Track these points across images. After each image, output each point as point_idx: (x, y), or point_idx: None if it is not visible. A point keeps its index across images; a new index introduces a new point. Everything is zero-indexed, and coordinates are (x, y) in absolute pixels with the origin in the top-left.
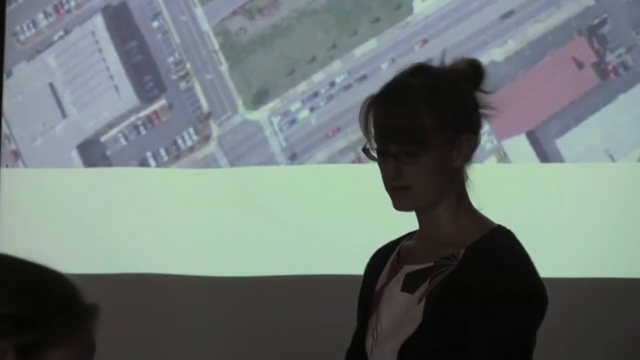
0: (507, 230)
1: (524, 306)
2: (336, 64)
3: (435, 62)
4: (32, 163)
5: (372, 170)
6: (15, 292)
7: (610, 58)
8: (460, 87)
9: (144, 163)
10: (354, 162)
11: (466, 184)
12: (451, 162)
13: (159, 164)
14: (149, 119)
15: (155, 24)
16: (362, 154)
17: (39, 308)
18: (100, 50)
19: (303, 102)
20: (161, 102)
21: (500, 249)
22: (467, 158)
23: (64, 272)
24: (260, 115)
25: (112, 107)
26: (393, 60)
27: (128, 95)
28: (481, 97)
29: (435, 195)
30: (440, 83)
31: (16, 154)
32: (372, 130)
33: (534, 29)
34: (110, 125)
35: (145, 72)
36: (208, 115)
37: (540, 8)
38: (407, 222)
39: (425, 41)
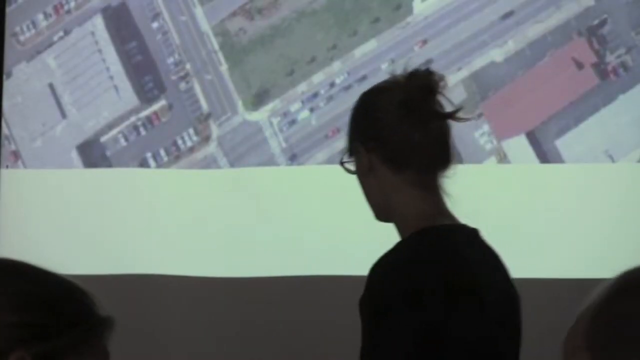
0: (416, 233)
1: (398, 311)
2: (336, 65)
3: (435, 64)
4: (32, 164)
5: None
6: (34, 301)
7: (610, 58)
8: (376, 99)
9: (144, 164)
10: None
11: (404, 193)
12: (360, 172)
13: (159, 165)
14: (148, 120)
15: (155, 25)
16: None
17: (57, 317)
18: (100, 50)
19: (303, 102)
20: (161, 103)
21: (383, 258)
22: (364, 168)
23: (80, 283)
24: (260, 115)
25: (112, 107)
26: (393, 61)
27: (128, 96)
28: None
29: (373, 206)
30: (369, 93)
31: (16, 155)
32: None
33: (534, 30)
34: (110, 126)
35: (145, 73)
36: (208, 116)
37: (540, 8)
38: None
39: (425, 42)
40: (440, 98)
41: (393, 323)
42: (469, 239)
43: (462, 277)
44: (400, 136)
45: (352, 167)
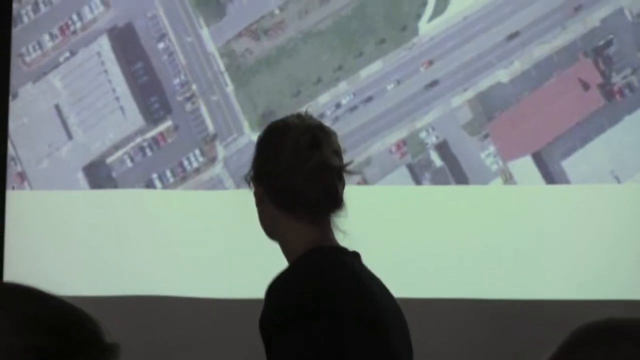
0: (307, 252)
1: (296, 326)
2: (342, 86)
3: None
4: (38, 185)
5: (378, 192)
6: (40, 325)
7: (616, 79)
8: (274, 137)
9: (149, 185)
10: (359, 183)
11: (290, 226)
12: (255, 199)
13: (165, 186)
14: (154, 141)
15: (161, 45)
16: (368, 175)
17: (63, 342)
18: (106, 71)
19: None
20: (167, 124)
21: (278, 277)
22: (257, 200)
23: (86, 309)
24: None
25: (117, 128)
26: (399, 82)
27: (134, 117)
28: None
29: (264, 228)
30: (273, 128)
31: (22, 176)
32: None
33: (540, 50)
34: (116, 147)
35: (151, 94)
36: (214, 137)
37: (545, 29)
38: (410, 243)
39: (430, 62)
40: (333, 148)
41: (292, 337)
42: (351, 258)
43: (353, 291)
44: (288, 184)
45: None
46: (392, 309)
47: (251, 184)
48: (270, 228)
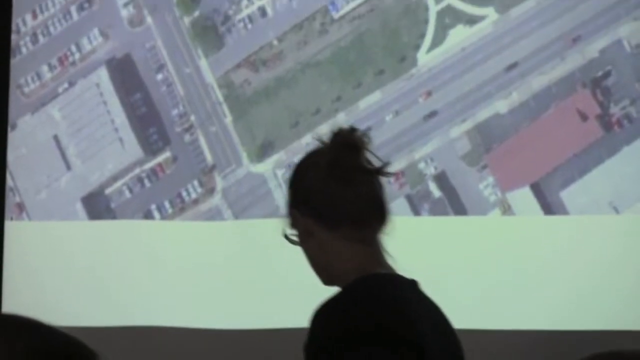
0: (355, 281)
1: (338, 355)
2: (340, 116)
3: (439, 116)
4: (36, 215)
5: None
6: (40, 356)
7: (615, 110)
8: (303, 163)
9: (148, 216)
10: None
11: (342, 248)
12: (301, 239)
13: (164, 217)
14: (153, 172)
15: (159, 76)
16: None
17: None
18: (104, 102)
19: None
20: (165, 155)
21: (323, 304)
22: (304, 235)
23: (87, 342)
24: (264, 167)
25: (116, 159)
26: (397, 113)
27: (132, 148)
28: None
29: (318, 271)
30: (300, 160)
31: (20, 207)
32: None
33: (538, 81)
34: (114, 178)
35: (149, 125)
36: (212, 168)
37: (544, 60)
38: (409, 274)
39: (429, 93)
40: (368, 155)
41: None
42: (408, 287)
43: (399, 322)
44: (329, 196)
45: (295, 237)
46: (442, 341)
47: (293, 224)
48: (325, 263)
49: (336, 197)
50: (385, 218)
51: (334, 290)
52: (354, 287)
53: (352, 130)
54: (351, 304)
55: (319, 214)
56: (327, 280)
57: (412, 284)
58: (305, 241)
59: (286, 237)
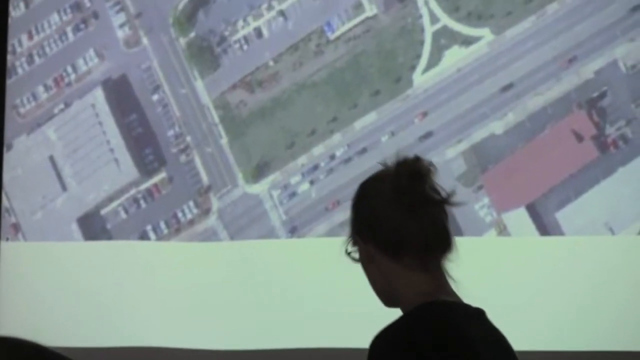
0: (416, 308)
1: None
2: (336, 137)
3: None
4: (32, 236)
5: None
6: None
7: (610, 131)
8: (368, 190)
9: (144, 236)
10: None
11: (404, 276)
12: (362, 262)
13: (159, 237)
14: (149, 192)
15: (155, 97)
16: None
17: None
18: (100, 123)
19: (303, 175)
20: (161, 175)
21: (383, 331)
22: (365, 259)
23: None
24: (260, 188)
25: (112, 180)
26: (393, 133)
27: (128, 169)
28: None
29: (379, 293)
30: (364, 183)
31: (16, 227)
32: None
33: (534, 102)
34: (110, 199)
35: (145, 145)
36: (208, 189)
37: (539, 81)
38: None
39: (425, 114)
40: (433, 183)
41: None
42: (471, 317)
43: (460, 351)
44: (392, 224)
45: (356, 255)
46: None
47: (355, 249)
48: (387, 288)
49: (400, 228)
50: (450, 247)
51: (328, 311)
52: (415, 314)
53: (417, 159)
54: (412, 330)
55: (382, 243)
56: (388, 303)
57: (478, 313)
58: (368, 265)
59: (348, 254)
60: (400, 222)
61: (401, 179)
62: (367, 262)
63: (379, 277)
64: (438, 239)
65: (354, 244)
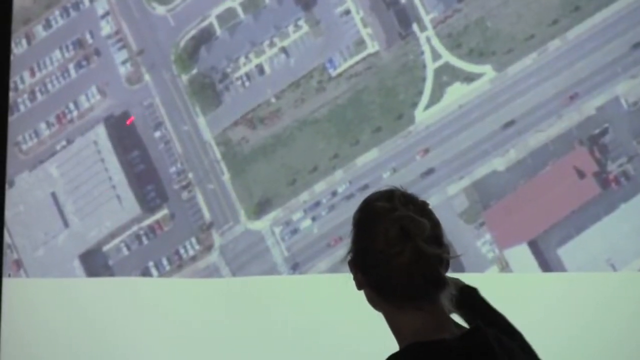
0: (404, 348)
1: None
2: (338, 174)
3: (437, 173)
4: (34, 272)
5: None
6: None
7: (612, 167)
8: (370, 224)
9: (146, 273)
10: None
11: (396, 315)
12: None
13: (161, 274)
14: (151, 229)
15: (157, 134)
16: None
17: None
18: (102, 160)
19: (305, 211)
20: (163, 212)
21: None
22: (356, 283)
23: None
24: (262, 224)
25: (114, 217)
26: (395, 170)
27: (130, 205)
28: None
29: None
30: (368, 207)
31: (18, 264)
32: None
33: (535, 139)
34: (112, 235)
35: (147, 182)
36: (210, 225)
37: (541, 117)
38: None
39: (426, 151)
40: (427, 235)
41: None
42: (458, 356)
43: None
44: (382, 275)
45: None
46: None
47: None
48: (377, 308)
49: (392, 282)
50: (442, 288)
51: (330, 347)
52: (399, 355)
53: (410, 217)
54: None
55: (374, 286)
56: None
57: (479, 350)
58: (359, 288)
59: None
60: (392, 279)
61: (391, 239)
62: (359, 287)
63: (371, 302)
64: (429, 287)
65: (351, 265)
